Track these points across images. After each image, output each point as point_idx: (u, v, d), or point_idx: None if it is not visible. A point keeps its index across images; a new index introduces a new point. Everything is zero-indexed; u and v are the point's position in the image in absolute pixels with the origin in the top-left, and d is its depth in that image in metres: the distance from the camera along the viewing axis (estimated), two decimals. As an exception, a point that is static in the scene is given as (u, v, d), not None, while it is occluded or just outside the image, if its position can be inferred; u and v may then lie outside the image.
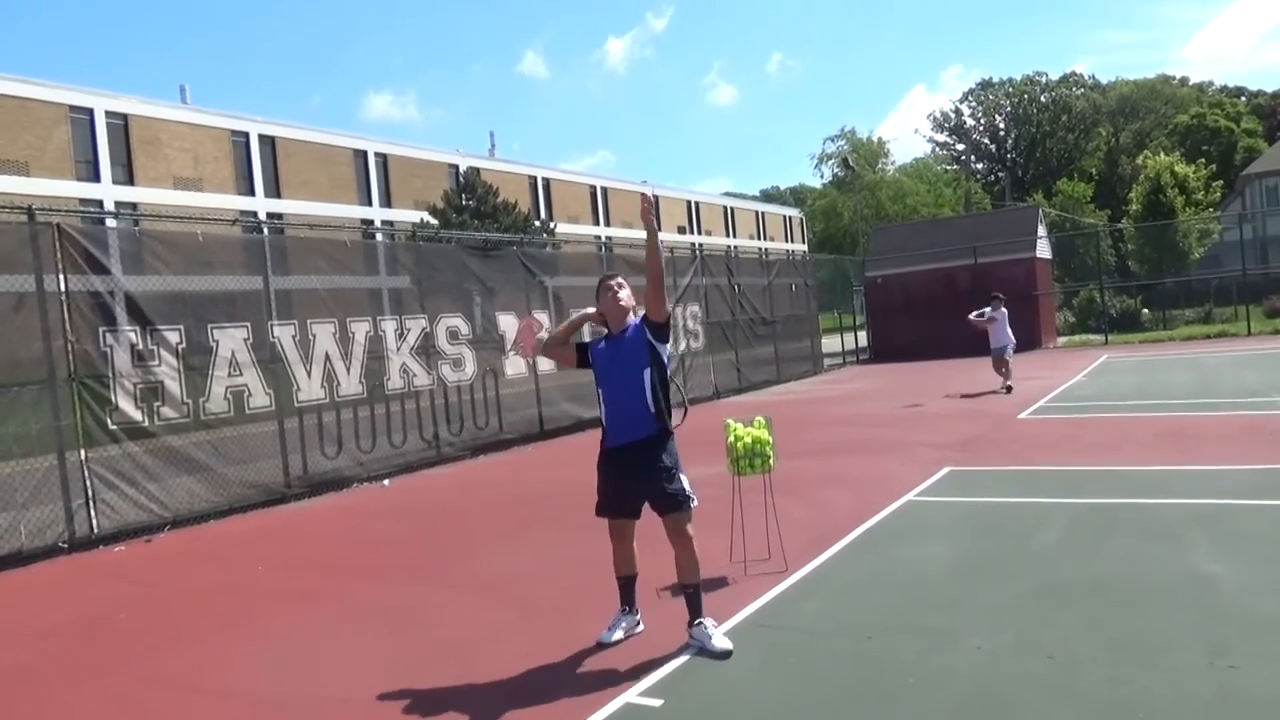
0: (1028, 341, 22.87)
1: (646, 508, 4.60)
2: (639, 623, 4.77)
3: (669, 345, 4.74)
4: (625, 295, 4.75)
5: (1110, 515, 6.34)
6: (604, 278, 4.86)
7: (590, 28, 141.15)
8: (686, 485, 4.52)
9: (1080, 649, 4.01)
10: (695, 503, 4.55)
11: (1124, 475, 7.60)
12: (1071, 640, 4.12)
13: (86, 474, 8.31)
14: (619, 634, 4.65)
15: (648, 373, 4.53)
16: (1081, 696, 3.56)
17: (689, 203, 67.80)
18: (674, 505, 4.47)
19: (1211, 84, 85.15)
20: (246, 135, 39.23)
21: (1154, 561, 5.17)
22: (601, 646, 4.57)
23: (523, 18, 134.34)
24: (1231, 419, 10.09)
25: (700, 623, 4.46)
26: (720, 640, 4.38)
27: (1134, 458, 8.27)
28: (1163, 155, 36.45)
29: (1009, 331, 15.26)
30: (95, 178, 34.05)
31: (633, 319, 4.72)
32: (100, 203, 33.12)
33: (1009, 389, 14.60)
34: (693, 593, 4.51)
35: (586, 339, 5.02)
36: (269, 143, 40.09)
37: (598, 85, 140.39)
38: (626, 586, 4.73)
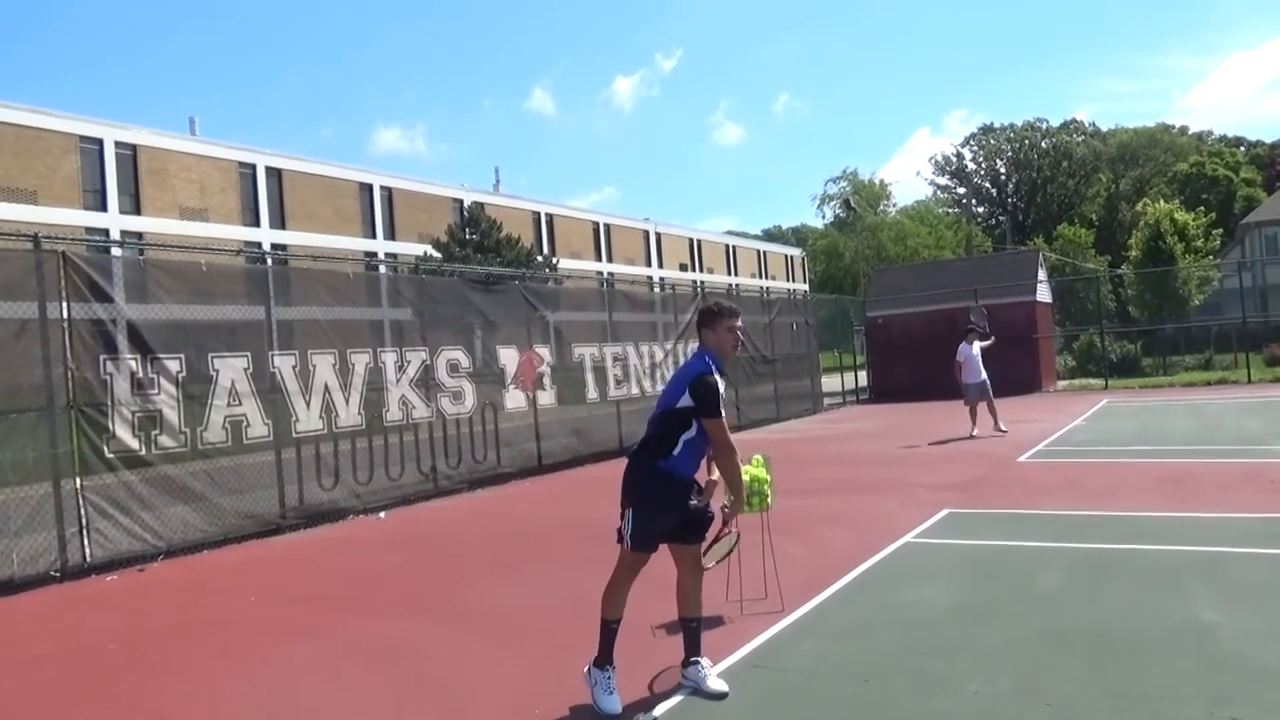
0: (1028, 384, 22.91)
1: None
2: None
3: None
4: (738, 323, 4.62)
5: (1110, 561, 6.29)
6: (726, 309, 4.58)
7: (599, 67, 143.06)
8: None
9: (1080, 697, 3.96)
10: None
11: (1124, 521, 7.56)
12: (1071, 687, 4.07)
13: (81, 502, 8.26)
14: (619, 701, 4.22)
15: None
16: (1080, 745, 3.52)
17: (691, 240, 68.22)
18: (704, 535, 4.48)
19: (1211, 133, 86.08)
20: (254, 167, 39.61)
21: (1154, 609, 5.12)
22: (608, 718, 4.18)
23: (533, 55, 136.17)
24: (1232, 466, 10.05)
25: (697, 661, 4.40)
26: (716, 682, 4.33)
27: (1134, 503, 8.23)
28: (1162, 203, 36.71)
29: (977, 369, 14.87)
30: (103, 207, 34.30)
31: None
32: (106, 232, 33.34)
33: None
34: (695, 627, 4.44)
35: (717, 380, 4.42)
36: (275, 175, 40.45)
37: (604, 123, 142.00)
38: (614, 634, 4.34)
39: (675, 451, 4.30)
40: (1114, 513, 7.88)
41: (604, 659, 4.29)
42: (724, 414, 4.28)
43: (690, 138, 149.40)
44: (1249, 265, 46.76)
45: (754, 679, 4.49)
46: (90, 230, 32.29)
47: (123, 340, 8.69)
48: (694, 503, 4.36)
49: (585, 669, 4.32)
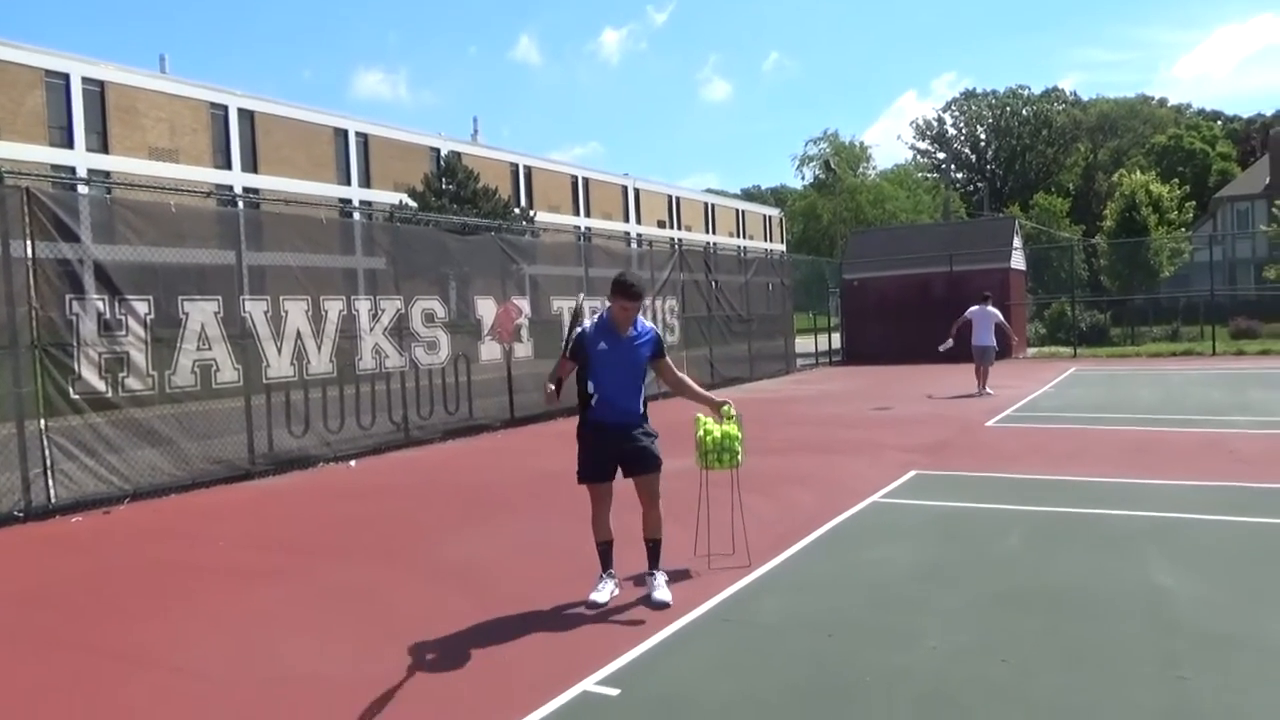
0: (999, 351, 23.12)
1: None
2: (618, 586, 5.13)
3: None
4: (636, 307, 5.10)
5: (1070, 525, 6.42)
6: (626, 293, 5.01)
7: (587, 17, 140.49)
8: (659, 452, 5.11)
9: (1034, 655, 4.06)
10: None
11: (1086, 486, 7.70)
12: (1026, 646, 4.17)
13: (46, 443, 8.18)
14: (607, 595, 5.01)
15: (643, 386, 5.16)
16: (1032, 702, 3.61)
17: (670, 197, 67.82)
18: (651, 466, 5.06)
19: (1190, 106, 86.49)
20: (226, 108, 38.73)
21: (1110, 572, 5.24)
22: (593, 607, 4.91)
23: (522, 1, 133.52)
24: (1193, 435, 10.25)
25: (652, 575, 5.06)
26: (661, 593, 4.94)
27: (1096, 469, 8.38)
28: (1139, 174, 36.86)
29: (986, 334, 15.61)
30: (69, 144, 33.47)
31: (640, 328, 5.14)
32: (73, 169, 32.59)
33: (983, 393, 15.12)
34: (654, 547, 5.12)
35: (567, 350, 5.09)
36: (248, 117, 39.59)
37: (590, 75, 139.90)
38: (607, 551, 5.14)
39: (592, 403, 5.04)
40: (1076, 478, 8.02)
41: (602, 568, 5.13)
42: (566, 355, 5.03)
43: (678, 93, 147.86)
44: (1220, 239, 47.32)
45: (720, 631, 4.56)
46: (56, 168, 31.54)
47: (89, 280, 8.53)
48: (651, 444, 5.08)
49: None
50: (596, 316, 5.20)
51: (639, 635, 4.48)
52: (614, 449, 5.02)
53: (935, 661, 4.04)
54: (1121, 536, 5.99)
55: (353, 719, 3.72)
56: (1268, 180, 52.11)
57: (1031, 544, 5.94)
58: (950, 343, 16.01)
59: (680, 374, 5.31)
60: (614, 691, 3.86)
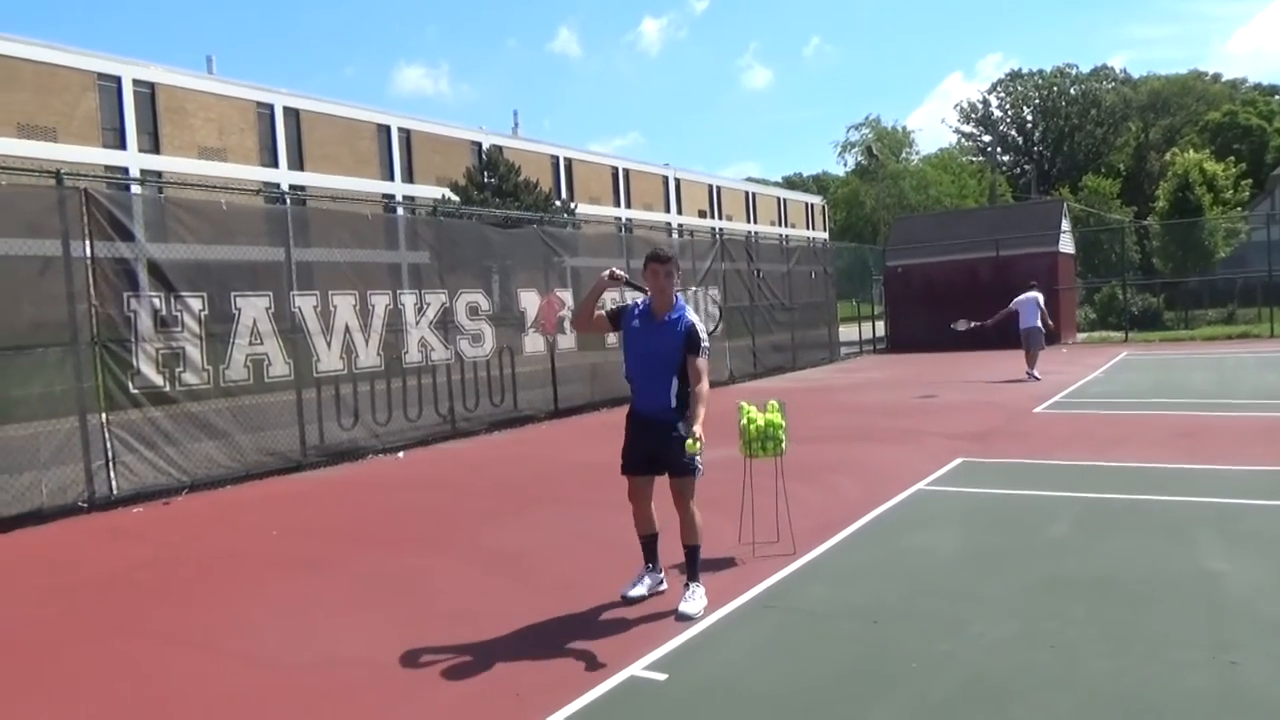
0: (1047, 336, 22.74)
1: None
2: (663, 581, 5.03)
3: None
4: (672, 283, 4.82)
5: (1119, 510, 6.34)
6: (657, 258, 4.84)
7: (627, 6, 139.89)
8: (692, 458, 4.68)
9: (1082, 641, 4.04)
10: (701, 472, 4.81)
11: (1136, 471, 7.59)
12: (1074, 632, 4.15)
13: (107, 436, 8.44)
14: (643, 589, 4.92)
15: (674, 379, 4.77)
16: (1080, 687, 3.60)
17: (710, 187, 67.57)
18: (682, 470, 4.73)
19: (1245, 81, 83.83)
20: (271, 107, 39.40)
21: (1161, 557, 5.18)
22: (626, 601, 4.84)
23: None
24: (1248, 420, 10.03)
25: (688, 585, 4.78)
26: (686, 604, 4.65)
27: (1146, 455, 8.25)
28: (1192, 152, 35.96)
29: (1033, 317, 15.63)
30: (122, 145, 34.30)
31: (677, 309, 4.82)
32: (126, 170, 33.39)
33: (1031, 377, 15.13)
34: (691, 554, 4.83)
35: (608, 306, 5.13)
36: (294, 115, 40.23)
37: (630, 65, 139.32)
38: (648, 545, 5.01)
39: (633, 390, 4.92)
40: (1126, 464, 7.91)
41: (645, 560, 5.03)
42: (605, 313, 5.04)
43: (718, 81, 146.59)
44: (1278, 217, 45.94)
45: (764, 618, 4.60)
46: (109, 169, 32.36)
47: (145, 278, 8.78)
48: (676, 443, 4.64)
49: None
50: (645, 299, 4.94)
51: (685, 622, 4.53)
52: (646, 444, 4.81)
53: (981, 648, 4.04)
54: (1172, 522, 5.91)
55: (406, 701, 3.83)
56: (1329, 157, 50.43)
57: (1079, 530, 5.88)
58: (969, 325, 15.97)
59: (701, 386, 4.68)
60: (661, 677, 3.92)
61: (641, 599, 4.88)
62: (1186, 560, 5.10)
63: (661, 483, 4.88)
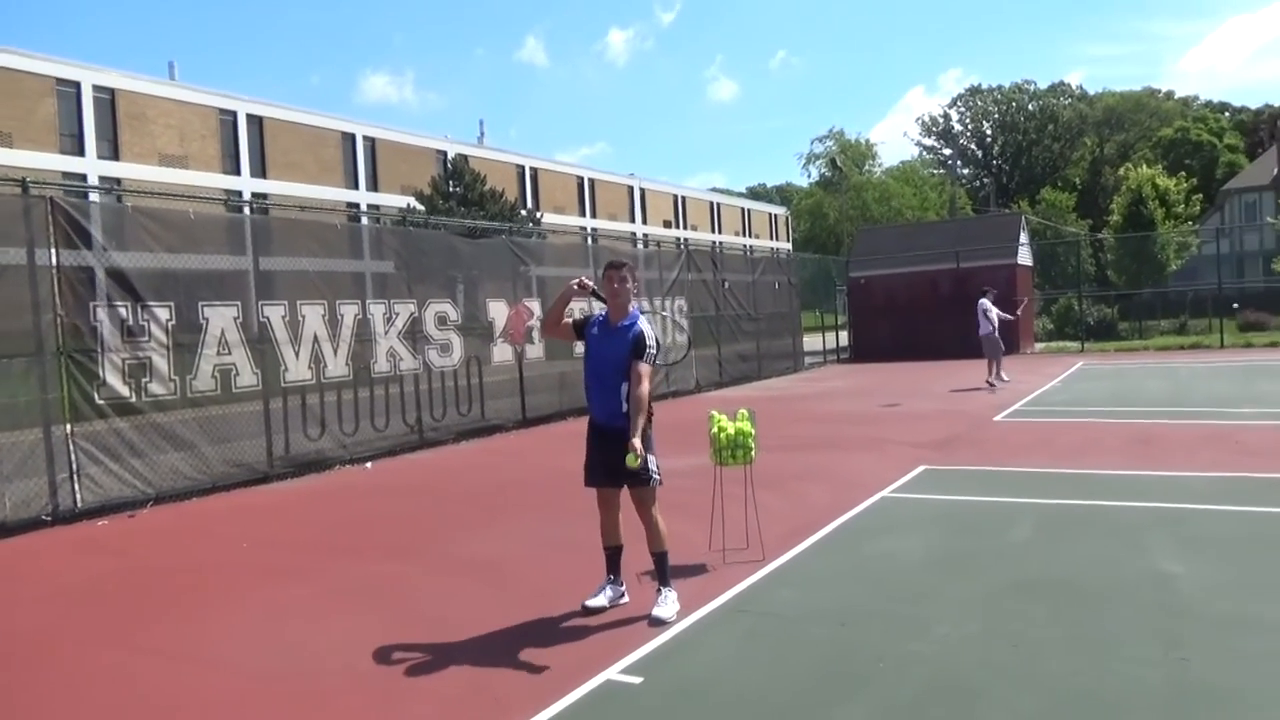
0: (1006, 346, 23.19)
1: None
2: (624, 594, 5.04)
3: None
4: (626, 289, 4.93)
5: (1078, 516, 6.54)
6: (612, 265, 5.00)
7: (594, 17, 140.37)
8: (653, 465, 4.86)
9: (1043, 640, 4.19)
10: (659, 481, 4.89)
11: (1093, 478, 7.82)
12: (1035, 632, 4.30)
13: (72, 448, 8.34)
14: (603, 600, 4.96)
15: (624, 386, 4.82)
16: (1041, 684, 3.74)
17: (675, 197, 67.94)
18: (639, 481, 4.82)
19: (1197, 98, 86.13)
20: (234, 114, 39.02)
21: (1117, 561, 5.37)
22: (586, 611, 4.87)
23: (528, 2, 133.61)
24: (1200, 427, 10.34)
25: (659, 590, 4.86)
26: (659, 609, 4.74)
27: (1104, 462, 8.49)
28: (1145, 167, 36.86)
29: (985, 324, 16.08)
30: (80, 151, 33.78)
31: (630, 318, 4.91)
32: (84, 177, 32.84)
33: (999, 382, 15.64)
34: (658, 560, 4.90)
35: (576, 315, 5.25)
36: (257, 122, 39.88)
37: (597, 76, 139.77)
38: (612, 557, 5.05)
39: (589, 400, 4.99)
40: (1084, 470, 8.14)
41: (608, 572, 5.05)
42: (570, 322, 5.13)
43: (685, 93, 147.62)
44: (1227, 231, 47.26)
45: (736, 622, 4.70)
46: (67, 175, 31.79)
47: (112, 288, 8.70)
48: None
49: None
50: (605, 310, 5.01)
51: (659, 627, 4.62)
52: (605, 455, 4.84)
53: (946, 648, 4.17)
54: (1129, 526, 6.11)
55: (387, 706, 3.87)
56: (1275, 171, 51.99)
57: (1040, 535, 6.06)
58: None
59: (639, 389, 4.73)
60: (637, 680, 4.01)
61: (602, 610, 4.89)
62: (1141, 563, 5.29)
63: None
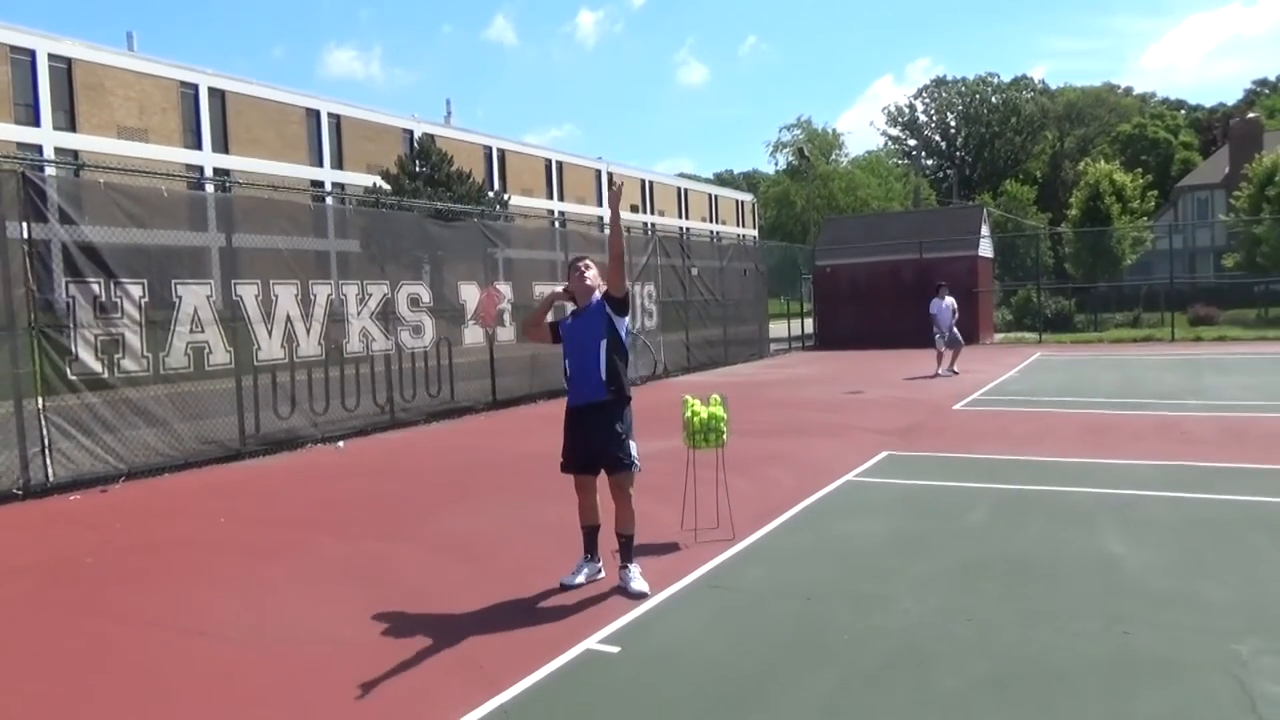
0: (967, 336, 23.68)
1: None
2: (600, 570, 5.27)
3: (627, 319, 5.22)
4: (591, 275, 5.22)
5: (1032, 500, 6.86)
6: (574, 259, 5.34)
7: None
8: (634, 451, 5.09)
9: (996, 615, 4.47)
10: (639, 468, 5.11)
11: (1047, 465, 8.16)
12: (989, 607, 4.57)
13: (44, 422, 8.35)
14: (581, 578, 5.16)
15: (603, 344, 5.03)
16: (994, 654, 4.01)
17: (643, 181, 67.97)
18: (619, 467, 5.04)
19: (1154, 95, 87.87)
20: (196, 87, 38.36)
21: (1067, 542, 5.67)
22: (564, 588, 5.07)
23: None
24: (1148, 417, 10.76)
25: (627, 567, 5.08)
26: (638, 584, 4.97)
27: (1057, 449, 8.84)
28: (1103, 163, 37.59)
29: (942, 319, 16.67)
30: (35, 122, 33.05)
31: (596, 296, 5.15)
32: (40, 148, 32.17)
33: (938, 374, 16.25)
34: (626, 541, 5.12)
35: (553, 317, 5.47)
36: (219, 96, 39.25)
37: (565, 57, 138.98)
38: (590, 536, 5.24)
39: (567, 386, 5.17)
40: (1038, 457, 8.48)
41: (585, 551, 5.24)
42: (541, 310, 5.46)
43: (654, 76, 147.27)
44: (1180, 228, 48.40)
45: (708, 597, 4.92)
46: (22, 146, 31.12)
47: (85, 264, 8.69)
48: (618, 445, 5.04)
49: None
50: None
51: (634, 600, 4.83)
52: (584, 442, 5.04)
53: (907, 622, 4.43)
54: (1078, 511, 6.43)
55: (374, 674, 4.04)
56: (1227, 170, 53.26)
57: (995, 518, 6.36)
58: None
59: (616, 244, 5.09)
60: (615, 649, 4.21)
61: (579, 586, 5.10)
62: (1089, 544, 5.59)
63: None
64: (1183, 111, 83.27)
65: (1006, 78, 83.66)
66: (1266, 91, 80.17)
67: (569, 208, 55.31)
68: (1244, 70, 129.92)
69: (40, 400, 8.37)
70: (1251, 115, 58.58)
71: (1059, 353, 21.62)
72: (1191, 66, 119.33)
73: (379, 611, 4.86)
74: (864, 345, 24.19)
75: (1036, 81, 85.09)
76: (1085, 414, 11.26)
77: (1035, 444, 9.20)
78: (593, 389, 5.02)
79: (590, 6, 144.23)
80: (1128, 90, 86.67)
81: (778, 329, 26.43)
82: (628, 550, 5.11)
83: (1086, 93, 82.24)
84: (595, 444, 5.01)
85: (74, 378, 8.56)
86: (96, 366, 8.71)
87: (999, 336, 27.54)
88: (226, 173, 37.00)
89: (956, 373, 16.44)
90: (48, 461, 8.34)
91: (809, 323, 28.19)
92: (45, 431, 8.36)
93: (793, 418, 11.89)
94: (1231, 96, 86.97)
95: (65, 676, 4.21)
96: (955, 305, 17.03)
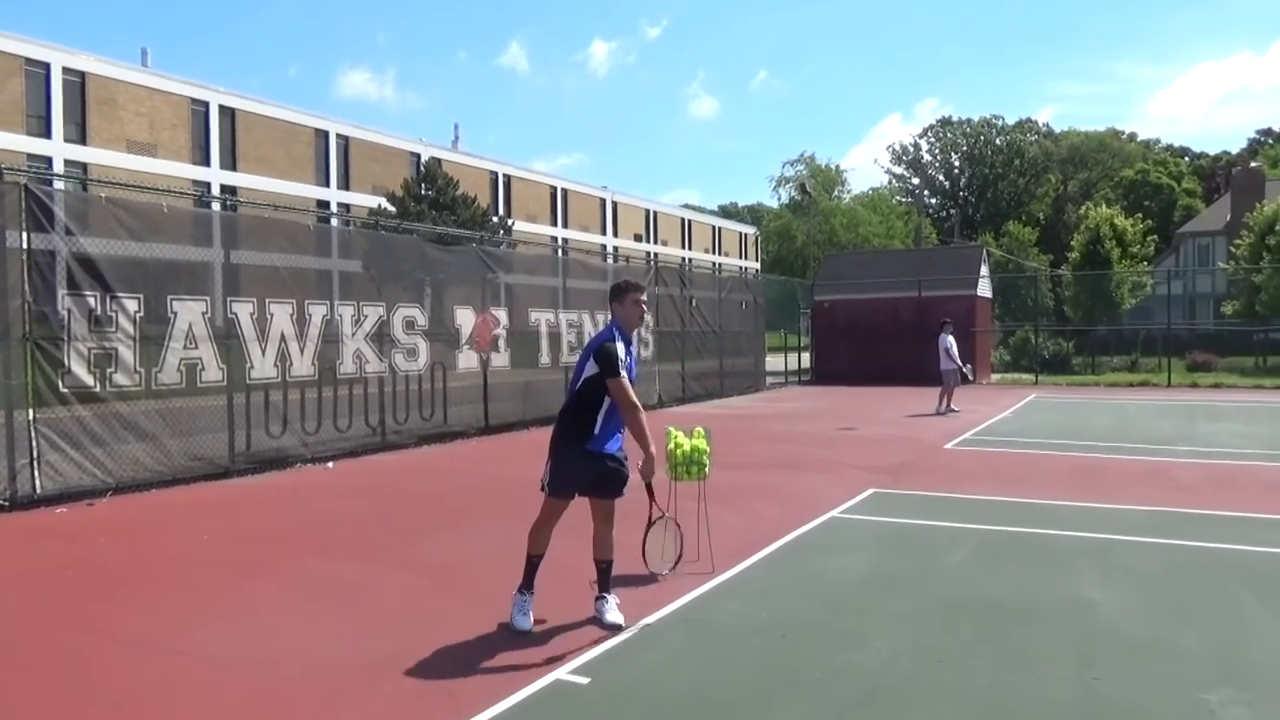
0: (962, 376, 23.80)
1: None
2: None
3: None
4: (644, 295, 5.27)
5: (1014, 542, 6.86)
6: (633, 285, 5.21)
7: (579, 27, 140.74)
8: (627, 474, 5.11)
9: (969, 656, 4.46)
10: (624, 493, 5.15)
11: (1032, 507, 8.16)
12: (963, 648, 4.57)
13: (33, 434, 8.37)
14: (530, 621, 4.93)
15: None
16: (963, 695, 4.00)
17: (647, 211, 68.37)
18: (616, 493, 5.06)
19: (1158, 141, 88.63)
20: (206, 105, 38.77)
21: (1044, 585, 5.67)
22: (517, 632, 4.84)
23: (515, 7, 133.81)
24: (1138, 462, 10.77)
25: (604, 597, 5.04)
26: (614, 615, 4.94)
27: (1044, 492, 8.85)
28: (1104, 207, 37.87)
29: (946, 358, 16.79)
30: (47, 134, 33.40)
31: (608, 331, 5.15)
32: (50, 160, 32.46)
33: (950, 410, 16.29)
34: (606, 568, 5.10)
35: (620, 347, 5.02)
36: (229, 114, 39.65)
37: (576, 85, 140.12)
38: (536, 566, 5.04)
39: (595, 431, 4.96)
40: (1025, 499, 8.48)
41: (526, 586, 5.02)
42: (623, 376, 4.89)
43: (665, 107, 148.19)
44: (1180, 273, 48.61)
45: (682, 631, 4.92)
46: (32, 157, 31.39)
47: (82, 277, 8.75)
48: (623, 470, 5.03)
49: (513, 593, 5.03)
50: (613, 329, 5.08)
51: (607, 632, 4.83)
52: (595, 470, 4.98)
53: (879, 660, 4.42)
54: (1060, 554, 6.43)
55: (344, 697, 4.04)
56: (1228, 218, 53.56)
57: (975, 558, 6.36)
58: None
59: (622, 407, 5.00)
60: (584, 680, 4.21)
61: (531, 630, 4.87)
62: (1066, 588, 5.59)
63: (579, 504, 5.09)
64: (1186, 158, 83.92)
65: (1012, 120, 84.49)
66: (1270, 141, 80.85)
67: (573, 235, 55.62)
68: (1250, 119, 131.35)
69: (31, 412, 8.39)
70: (1254, 164, 59.09)
71: (1055, 394, 21.64)
72: (1198, 114, 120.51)
73: (354, 634, 4.86)
74: (860, 381, 24.24)
75: (1041, 125, 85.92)
76: (1075, 457, 11.27)
77: (1023, 485, 9.21)
78: (618, 436, 5.06)
79: (604, 37, 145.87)
80: (1131, 136, 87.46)
81: (775, 362, 26.49)
82: (606, 578, 5.09)
83: (1090, 137, 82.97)
84: (605, 469, 4.98)
85: (65, 390, 8.59)
86: (89, 380, 8.74)
87: (996, 377, 27.58)
88: (233, 190, 37.30)
89: (957, 411, 16.44)
90: (35, 474, 8.35)
91: (806, 357, 28.26)
92: (34, 443, 8.38)
93: (783, 452, 11.90)
94: (1235, 145, 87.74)
95: (40, 692, 4.21)
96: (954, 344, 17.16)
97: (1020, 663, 4.37)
